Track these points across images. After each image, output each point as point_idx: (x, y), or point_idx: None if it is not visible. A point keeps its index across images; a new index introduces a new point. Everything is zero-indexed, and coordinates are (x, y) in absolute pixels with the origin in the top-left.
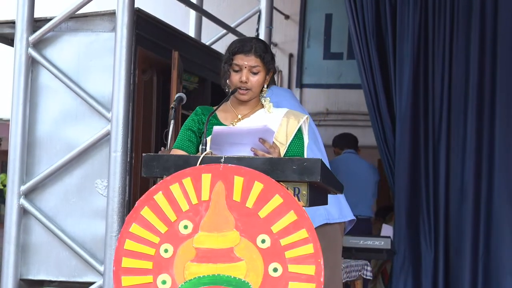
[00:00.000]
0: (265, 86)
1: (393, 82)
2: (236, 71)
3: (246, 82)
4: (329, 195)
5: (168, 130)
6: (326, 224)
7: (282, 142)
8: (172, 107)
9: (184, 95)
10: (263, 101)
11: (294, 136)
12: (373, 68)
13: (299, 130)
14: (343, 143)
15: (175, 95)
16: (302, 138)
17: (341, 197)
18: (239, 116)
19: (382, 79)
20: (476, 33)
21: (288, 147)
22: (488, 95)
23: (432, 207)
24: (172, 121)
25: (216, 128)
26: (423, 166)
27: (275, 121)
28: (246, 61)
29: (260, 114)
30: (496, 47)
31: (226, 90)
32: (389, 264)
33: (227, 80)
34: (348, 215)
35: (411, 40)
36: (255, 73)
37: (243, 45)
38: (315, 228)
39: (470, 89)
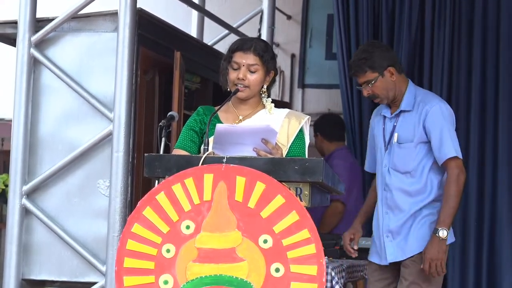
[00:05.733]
0: (265, 86)
1: None
2: (235, 69)
3: (243, 79)
4: None
5: (160, 149)
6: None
7: (283, 143)
8: (160, 126)
9: (176, 114)
10: (264, 101)
11: (295, 137)
12: None
13: (301, 131)
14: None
15: (175, 99)
16: (304, 139)
17: None
18: (240, 117)
19: None
20: (478, 35)
21: (289, 148)
22: (490, 98)
23: None
24: (163, 139)
25: (219, 126)
26: None
27: (276, 122)
28: (245, 59)
29: (261, 115)
30: (499, 49)
31: (228, 89)
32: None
33: (226, 78)
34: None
35: (408, 43)
36: (253, 72)
37: (243, 43)
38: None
39: (472, 93)
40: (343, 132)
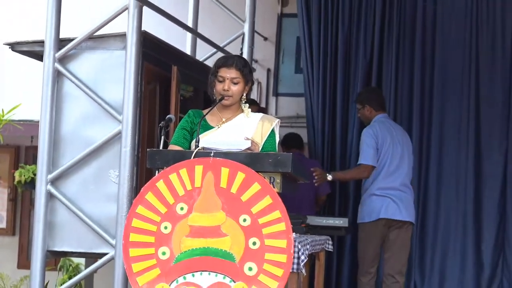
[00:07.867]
0: (245, 94)
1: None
2: (220, 81)
3: (228, 90)
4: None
5: (160, 145)
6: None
7: (258, 141)
8: (160, 126)
9: (173, 117)
10: (243, 107)
11: (268, 136)
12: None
13: (273, 131)
14: (291, 143)
15: (173, 105)
16: (275, 138)
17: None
18: (223, 119)
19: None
20: (419, 54)
21: (263, 145)
22: (427, 107)
23: None
24: (163, 137)
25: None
26: None
27: (252, 124)
28: (228, 73)
29: (240, 118)
30: (434, 67)
31: (214, 98)
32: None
33: (213, 89)
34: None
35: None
36: (235, 83)
37: (226, 60)
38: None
39: (414, 101)
40: (297, 143)
